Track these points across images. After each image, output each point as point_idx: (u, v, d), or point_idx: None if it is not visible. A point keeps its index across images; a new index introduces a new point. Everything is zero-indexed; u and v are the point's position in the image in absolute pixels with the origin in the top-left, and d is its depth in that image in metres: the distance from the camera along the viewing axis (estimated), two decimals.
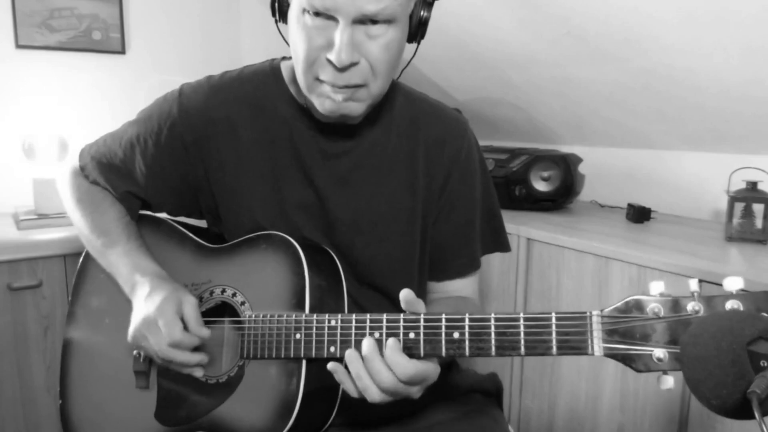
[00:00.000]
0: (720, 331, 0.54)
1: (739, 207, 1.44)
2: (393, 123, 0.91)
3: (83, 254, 1.00)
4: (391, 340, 0.70)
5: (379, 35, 0.73)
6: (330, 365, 0.71)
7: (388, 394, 0.70)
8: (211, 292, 0.88)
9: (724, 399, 0.53)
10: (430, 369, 0.71)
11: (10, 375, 1.60)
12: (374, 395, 0.69)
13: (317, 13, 0.71)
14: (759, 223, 1.42)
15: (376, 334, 0.72)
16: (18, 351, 1.61)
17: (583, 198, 2.02)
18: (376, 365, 0.69)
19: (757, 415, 0.49)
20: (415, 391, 0.71)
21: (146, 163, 0.91)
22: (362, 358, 0.70)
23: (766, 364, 0.52)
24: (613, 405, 1.38)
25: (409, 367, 0.68)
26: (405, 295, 0.71)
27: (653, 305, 0.62)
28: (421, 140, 0.92)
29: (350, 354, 0.71)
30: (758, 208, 1.42)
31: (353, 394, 0.71)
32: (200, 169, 0.90)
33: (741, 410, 0.53)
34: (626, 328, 0.62)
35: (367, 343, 0.70)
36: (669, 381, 0.62)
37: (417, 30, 0.81)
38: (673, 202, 1.82)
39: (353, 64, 0.73)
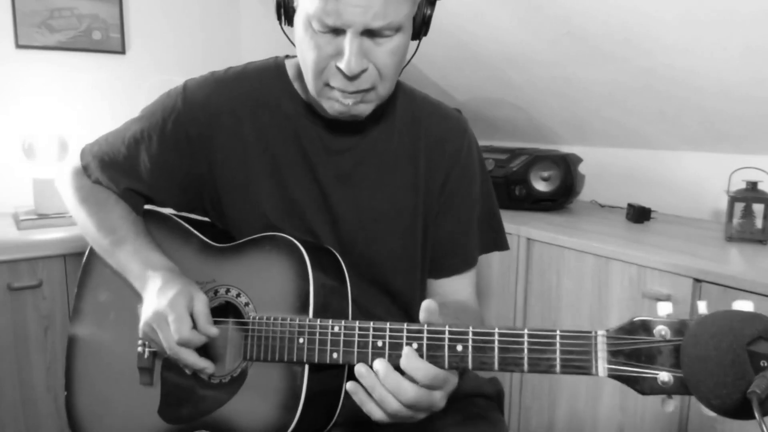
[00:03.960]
0: (720, 331, 0.54)
1: (739, 207, 1.44)
2: (395, 121, 0.92)
3: (87, 250, 1.00)
4: (406, 349, 0.69)
5: (386, 42, 0.75)
6: (349, 385, 0.70)
7: (409, 406, 0.68)
8: (215, 292, 0.88)
9: (724, 399, 0.53)
10: (449, 374, 0.70)
11: (10, 375, 1.60)
12: (392, 404, 0.67)
13: (326, 27, 0.72)
14: (759, 223, 1.42)
15: (379, 343, 0.72)
16: (18, 351, 1.61)
17: (583, 198, 2.02)
18: (392, 379, 0.67)
19: (757, 415, 0.49)
20: (439, 398, 0.70)
21: (150, 158, 0.91)
22: (376, 373, 0.68)
23: (766, 364, 0.52)
24: (614, 404, 1.38)
25: (430, 369, 0.67)
26: (428, 305, 0.70)
27: (660, 327, 0.60)
28: (422, 139, 0.93)
29: (360, 369, 0.69)
30: (758, 208, 1.42)
31: (375, 415, 0.69)
32: (204, 164, 0.90)
33: (741, 410, 0.53)
34: (632, 350, 0.61)
35: (381, 364, 0.68)
36: (672, 404, 0.61)
37: (420, 28, 0.82)
38: (673, 202, 1.82)
39: (363, 71, 0.75)
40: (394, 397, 0.67)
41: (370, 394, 0.69)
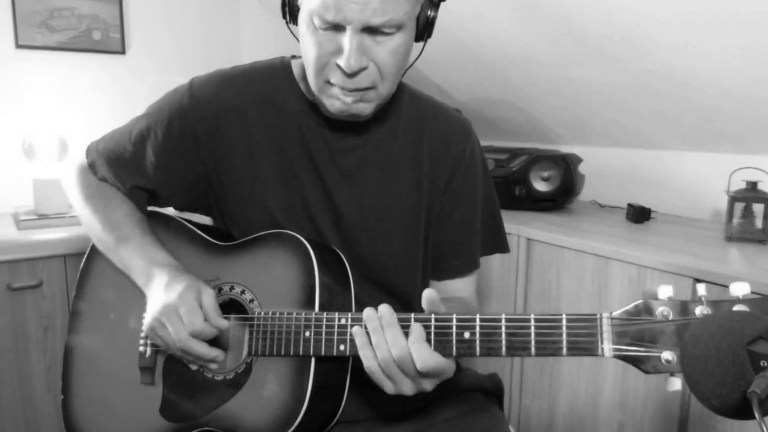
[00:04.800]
0: (720, 331, 0.54)
1: (739, 207, 1.44)
2: (399, 122, 0.92)
3: (88, 249, 1.00)
4: (415, 326, 0.70)
5: (386, 41, 0.75)
6: (355, 329, 0.72)
7: (401, 370, 0.70)
8: (220, 290, 0.88)
9: (724, 399, 0.53)
10: (449, 365, 0.71)
11: (10, 375, 1.60)
12: (385, 353, 0.70)
13: (326, 23, 0.73)
14: (759, 223, 1.42)
15: None
16: (18, 351, 1.61)
17: (583, 198, 2.02)
18: (394, 333, 0.70)
19: (757, 415, 0.49)
20: (428, 385, 0.72)
21: (156, 154, 0.91)
22: (380, 317, 0.71)
23: (766, 364, 0.52)
24: (613, 404, 1.38)
25: (431, 358, 0.69)
26: (429, 294, 0.71)
27: (662, 309, 0.63)
28: (426, 140, 0.93)
29: (369, 312, 0.72)
30: (758, 208, 1.42)
31: (367, 361, 0.71)
32: (210, 161, 0.91)
33: (741, 410, 0.53)
34: (635, 331, 0.63)
35: (385, 308, 0.71)
36: (677, 383, 0.63)
37: (424, 30, 0.82)
38: (673, 202, 1.82)
39: (362, 69, 0.75)
40: (388, 347, 0.70)
41: (370, 341, 0.71)
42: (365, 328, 0.72)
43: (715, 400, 0.54)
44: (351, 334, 0.74)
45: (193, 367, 0.85)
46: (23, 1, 1.90)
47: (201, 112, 0.89)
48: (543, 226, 1.61)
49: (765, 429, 0.48)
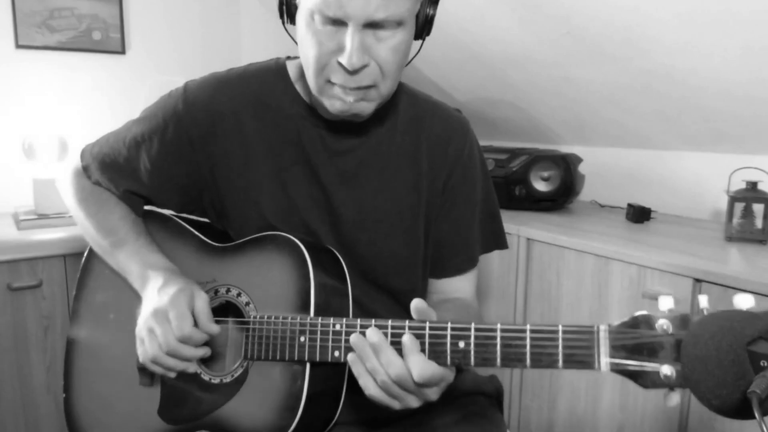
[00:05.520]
0: (720, 331, 0.54)
1: (739, 207, 1.44)
2: (397, 122, 0.92)
3: (87, 250, 1.00)
4: (407, 339, 0.69)
5: (388, 38, 0.75)
6: (350, 356, 0.71)
7: (402, 387, 0.69)
8: (216, 291, 0.88)
9: (724, 399, 0.53)
10: (447, 371, 0.70)
11: (10, 375, 1.60)
12: (382, 375, 0.68)
13: (327, 19, 0.72)
14: (759, 223, 1.42)
15: None
16: (18, 351, 1.61)
17: (583, 198, 2.02)
18: (387, 355, 0.68)
19: (757, 415, 0.49)
20: (432, 394, 0.71)
21: (151, 160, 0.91)
22: (370, 344, 0.69)
23: (766, 364, 0.52)
24: (613, 404, 1.38)
25: (427, 368, 0.68)
26: (416, 304, 0.70)
27: (662, 321, 0.60)
28: (424, 139, 0.93)
29: (355, 340, 0.70)
30: (758, 208, 1.42)
31: (369, 389, 0.70)
32: (206, 165, 0.90)
33: (741, 410, 0.53)
34: (634, 344, 0.61)
35: (373, 333, 0.70)
36: (676, 398, 0.60)
37: (423, 27, 0.82)
38: (673, 202, 1.82)
39: (364, 67, 0.75)
40: (384, 370, 0.68)
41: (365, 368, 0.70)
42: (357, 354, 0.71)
43: (715, 400, 0.54)
44: (345, 342, 0.74)
45: (172, 374, 0.84)
46: (23, 1, 1.90)
47: (196, 116, 0.89)
48: (543, 226, 1.61)
49: (765, 429, 0.48)
